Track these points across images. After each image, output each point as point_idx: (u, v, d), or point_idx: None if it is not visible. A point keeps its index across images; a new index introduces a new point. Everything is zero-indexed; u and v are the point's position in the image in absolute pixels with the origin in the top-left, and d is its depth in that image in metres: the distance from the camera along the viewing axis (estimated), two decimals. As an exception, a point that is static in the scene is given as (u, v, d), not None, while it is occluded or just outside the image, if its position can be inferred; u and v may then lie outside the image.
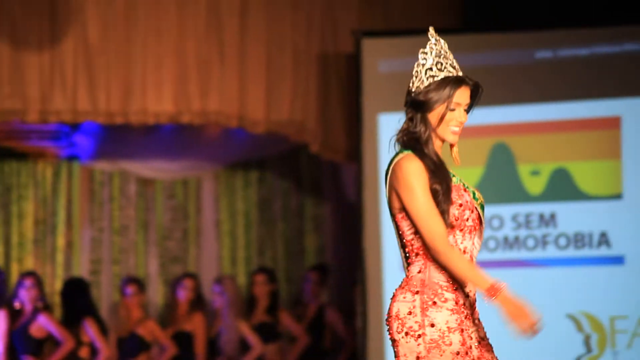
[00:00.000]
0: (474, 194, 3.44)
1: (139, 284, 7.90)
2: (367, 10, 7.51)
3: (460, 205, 3.39)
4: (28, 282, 7.37)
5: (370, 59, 7.17)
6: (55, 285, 8.22)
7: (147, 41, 7.14)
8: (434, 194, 3.36)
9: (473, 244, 3.41)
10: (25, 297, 7.33)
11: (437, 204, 3.35)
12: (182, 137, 8.14)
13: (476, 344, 3.40)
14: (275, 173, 8.66)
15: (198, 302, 7.81)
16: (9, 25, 6.95)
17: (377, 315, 7.14)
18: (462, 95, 3.41)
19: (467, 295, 3.41)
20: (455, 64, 3.44)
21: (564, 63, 6.93)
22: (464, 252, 3.39)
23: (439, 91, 3.39)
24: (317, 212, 8.68)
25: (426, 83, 3.41)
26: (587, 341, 6.82)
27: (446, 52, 3.45)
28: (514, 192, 6.97)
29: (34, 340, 7.33)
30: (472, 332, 3.40)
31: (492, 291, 3.28)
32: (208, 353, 7.87)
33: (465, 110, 3.42)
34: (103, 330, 7.53)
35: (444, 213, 3.35)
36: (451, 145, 3.46)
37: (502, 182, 6.99)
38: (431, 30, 3.49)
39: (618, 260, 6.81)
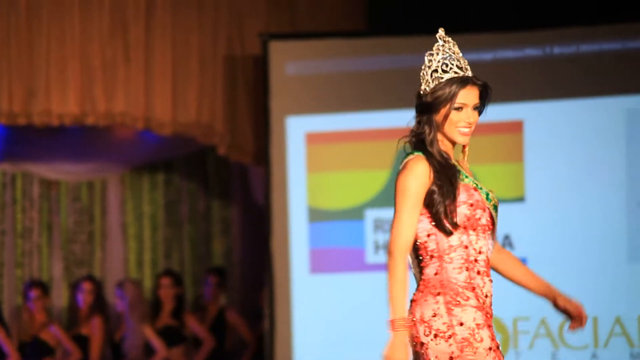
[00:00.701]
0: (487, 194, 3.43)
1: (43, 287, 7.79)
2: (274, 13, 7.52)
3: (472, 205, 3.39)
4: None
5: (278, 61, 7.18)
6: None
7: (51, 42, 7.05)
8: (433, 193, 3.37)
9: (488, 244, 3.42)
10: None
11: (435, 202, 3.36)
12: (87, 139, 8.04)
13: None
14: (182, 175, 8.61)
15: (98, 306, 7.72)
16: None
17: (284, 317, 7.14)
18: (468, 95, 3.40)
19: (485, 295, 3.43)
20: (463, 64, 3.45)
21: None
22: (480, 252, 3.39)
23: (443, 92, 3.40)
24: (224, 215, 8.65)
25: (432, 85, 3.43)
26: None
27: (453, 53, 3.46)
28: (420, 195, 7.01)
29: None
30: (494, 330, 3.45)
31: (392, 325, 3.34)
32: (113, 357, 7.78)
33: (475, 110, 3.42)
34: (8, 334, 7.41)
35: (439, 213, 3.36)
36: (463, 147, 3.46)
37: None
38: (440, 31, 3.50)
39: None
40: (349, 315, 7.08)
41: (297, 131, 7.17)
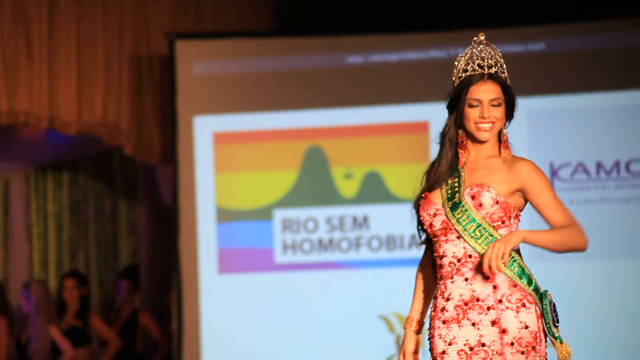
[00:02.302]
0: (453, 194, 3.42)
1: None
2: (180, 12, 7.47)
3: (434, 215, 3.43)
4: None
5: (184, 61, 7.14)
6: None
7: (-50, 38, 6.90)
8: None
9: (462, 247, 3.38)
10: None
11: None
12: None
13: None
14: (87, 175, 8.51)
15: (2, 307, 7.59)
16: None
17: (192, 318, 7.10)
18: (481, 91, 3.42)
19: (446, 299, 3.41)
20: (486, 62, 3.44)
21: (374, 68, 7.06)
22: (444, 255, 3.40)
23: (457, 90, 3.46)
24: (131, 215, 8.57)
25: (456, 85, 3.48)
26: (398, 341, 6.96)
27: (479, 52, 3.46)
28: (328, 195, 7.05)
29: None
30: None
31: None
32: (19, 359, 7.66)
33: (496, 105, 3.42)
34: None
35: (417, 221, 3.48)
36: (501, 144, 3.46)
37: (316, 185, 7.07)
38: (479, 36, 3.49)
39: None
40: (257, 315, 7.07)
41: (204, 131, 7.14)
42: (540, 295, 3.40)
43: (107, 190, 8.55)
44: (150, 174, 8.25)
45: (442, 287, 3.41)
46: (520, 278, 3.38)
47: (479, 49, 3.49)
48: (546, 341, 3.40)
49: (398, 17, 7.43)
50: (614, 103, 6.88)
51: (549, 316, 3.38)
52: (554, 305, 3.42)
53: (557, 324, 3.40)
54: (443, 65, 7.02)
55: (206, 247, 7.11)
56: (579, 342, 6.81)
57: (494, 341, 3.33)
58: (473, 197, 3.39)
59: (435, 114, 7.00)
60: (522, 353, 3.33)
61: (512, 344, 3.33)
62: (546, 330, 3.38)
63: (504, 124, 3.49)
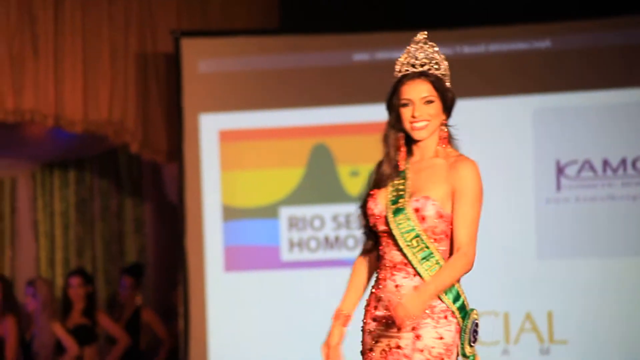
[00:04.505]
0: (397, 198, 3.41)
1: (-50, 287, 7.64)
2: (186, 10, 7.47)
3: (378, 216, 3.43)
4: None
5: (190, 58, 7.13)
6: None
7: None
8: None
9: (401, 255, 3.38)
10: None
11: None
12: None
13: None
14: (93, 173, 8.52)
15: (9, 305, 7.60)
16: None
17: (199, 316, 7.11)
18: (411, 90, 3.42)
19: (377, 300, 3.44)
20: (418, 61, 3.46)
21: (380, 65, 7.05)
22: (383, 256, 3.41)
23: (391, 91, 3.47)
24: (137, 213, 8.58)
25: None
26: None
27: (415, 51, 3.49)
28: (334, 193, 7.05)
29: None
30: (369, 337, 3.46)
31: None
32: (23, 357, 7.67)
33: (429, 103, 3.41)
34: None
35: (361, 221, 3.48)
36: (438, 142, 3.45)
37: (322, 183, 7.07)
38: (419, 35, 3.52)
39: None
40: (264, 313, 7.07)
41: (210, 129, 7.14)
42: (465, 313, 3.39)
43: (113, 189, 8.55)
44: (156, 172, 8.25)
45: (378, 284, 3.43)
46: (446, 294, 3.36)
47: (415, 48, 3.51)
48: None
49: (403, 15, 7.42)
50: (620, 100, 6.87)
51: (466, 335, 3.36)
52: (477, 325, 3.40)
53: (472, 344, 3.39)
54: (448, 62, 7.01)
55: (212, 245, 7.11)
56: (591, 338, 6.85)
57: (407, 345, 3.36)
58: (417, 210, 3.37)
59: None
60: None
61: (422, 350, 3.33)
62: (459, 348, 3.37)
63: (443, 121, 3.46)
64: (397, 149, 3.47)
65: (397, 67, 3.50)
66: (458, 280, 3.37)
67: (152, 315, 7.89)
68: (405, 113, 3.43)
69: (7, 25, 6.99)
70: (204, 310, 7.10)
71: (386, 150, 3.49)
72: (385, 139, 3.50)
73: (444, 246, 3.38)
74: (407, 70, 3.46)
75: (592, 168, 6.93)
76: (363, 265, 3.54)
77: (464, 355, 3.37)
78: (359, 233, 7.06)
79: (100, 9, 7.23)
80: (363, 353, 3.45)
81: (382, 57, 7.07)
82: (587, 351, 6.86)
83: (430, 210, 3.35)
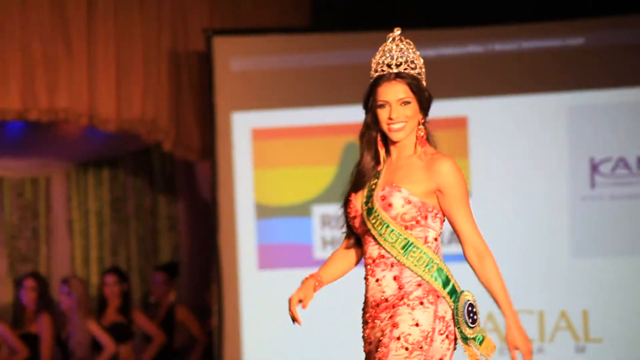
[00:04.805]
0: (368, 198, 3.42)
1: (-14, 285, 7.72)
2: (218, 8, 7.48)
3: (354, 217, 3.46)
4: None
5: (222, 57, 7.14)
6: None
7: (-9, 36, 6.96)
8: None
9: (377, 248, 3.40)
10: None
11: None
12: (31, 134, 7.96)
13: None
14: (127, 171, 8.55)
15: (44, 303, 7.66)
16: None
17: (232, 314, 7.12)
18: (387, 91, 3.42)
19: (367, 298, 3.47)
20: (394, 60, 3.44)
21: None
22: (364, 255, 3.45)
23: (368, 92, 3.47)
24: (171, 211, 8.60)
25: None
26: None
27: (390, 50, 3.46)
28: (367, 191, 7.02)
29: None
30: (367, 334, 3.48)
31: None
32: (59, 355, 7.72)
33: (405, 104, 3.41)
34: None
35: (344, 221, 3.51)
36: (415, 145, 3.46)
37: (354, 181, 7.04)
38: (394, 32, 3.50)
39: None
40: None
41: (242, 127, 7.14)
42: (456, 297, 3.39)
43: (147, 187, 8.58)
44: (190, 170, 8.27)
45: (365, 286, 3.46)
46: (436, 280, 3.38)
47: (390, 47, 3.47)
48: (455, 344, 3.39)
49: (435, 12, 7.38)
50: (655, 97, 6.83)
51: (460, 318, 3.36)
52: (471, 306, 3.39)
53: (471, 325, 3.37)
54: (481, 60, 6.98)
55: (245, 244, 7.12)
56: (627, 336, 6.79)
57: (385, 334, 3.37)
58: (383, 198, 3.38)
59: (474, 109, 6.99)
60: (406, 349, 3.32)
61: (398, 338, 3.33)
62: (456, 333, 3.37)
63: (420, 120, 3.46)
64: (375, 149, 3.47)
65: (373, 67, 3.48)
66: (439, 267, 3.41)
67: (187, 313, 7.91)
68: (382, 114, 3.43)
69: (40, 25, 7.03)
70: (238, 308, 7.11)
71: (363, 150, 3.49)
72: (362, 139, 3.49)
73: (418, 232, 3.38)
74: (384, 70, 3.45)
75: (626, 165, 6.87)
76: (343, 252, 3.58)
77: (465, 338, 3.36)
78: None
79: (132, 8, 7.25)
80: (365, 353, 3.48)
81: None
82: (623, 349, 6.81)
83: (395, 197, 3.37)
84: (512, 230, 6.92)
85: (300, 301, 3.54)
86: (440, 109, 6.97)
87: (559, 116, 6.90)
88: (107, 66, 7.16)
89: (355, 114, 7.08)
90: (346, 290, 7.04)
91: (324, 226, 7.05)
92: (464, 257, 3.42)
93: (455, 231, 3.43)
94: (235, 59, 7.14)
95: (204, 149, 7.44)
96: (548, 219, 6.88)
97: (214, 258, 7.19)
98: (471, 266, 3.40)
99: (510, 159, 6.94)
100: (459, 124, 6.97)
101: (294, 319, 3.55)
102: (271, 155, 7.13)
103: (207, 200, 7.69)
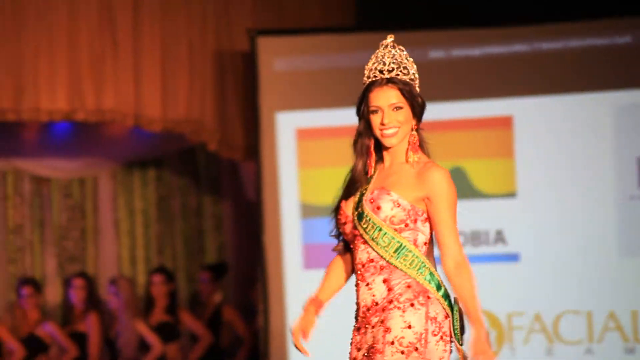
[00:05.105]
0: (358, 203, 3.42)
1: (35, 285, 7.77)
2: (262, 8, 7.48)
3: (344, 223, 3.46)
4: None
5: (266, 57, 7.14)
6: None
7: (39, 37, 7.00)
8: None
9: (366, 252, 3.39)
10: None
11: None
12: (77, 135, 8.02)
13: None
14: (173, 171, 8.58)
15: (92, 302, 7.71)
16: None
17: (278, 313, 7.12)
18: (379, 97, 3.41)
19: (358, 304, 3.46)
20: (386, 66, 3.44)
21: (457, 63, 6.99)
22: (355, 261, 3.44)
23: (360, 98, 3.47)
24: (216, 211, 8.62)
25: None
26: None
27: (382, 56, 3.46)
28: (412, 191, 6.99)
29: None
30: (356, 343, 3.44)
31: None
32: (107, 354, 7.77)
33: (398, 109, 3.40)
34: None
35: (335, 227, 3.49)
36: (407, 151, 3.44)
37: (399, 181, 7.01)
38: (387, 38, 3.51)
39: (513, 257, 6.88)
40: (342, 310, 7.04)
41: (287, 127, 7.14)
42: (450, 302, 3.36)
43: (192, 187, 8.61)
44: (234, 170, 8.29)
45: (356, 293, 3.45)
46: (430, 283, 3.35)
47: (383, 52, 3.46)
48: (451, 346, 3.36)
49: (480, 11, 7.33)
50: None
51: (457, 323, 3.35)
52: (462, 313, 3.37)
53: (463, 331, 3.37)
54: (527, 59, 6.92)
55: (291, 243, 7.11)
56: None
57: (379, 339, 3.34)
58: (372, 201, 3.36)
59: (519, 109, 6.93)
60: (402, 353, 3.30)
61: (392, 342, 3.31)
62: (453, 336, 3.35)
63: (413, 126, 3.43)
64: (367, 155, 3.47)
65: (366, 73, 3.47)
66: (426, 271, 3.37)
67: (233, 313, 7.92)
68: (375, 120, 3.42)
69: (88, 25, 7.07)
70: (283, 307, 7.10)
71: (357, 156, 3.49)
72: (355, 145, 3.50)
73: (407, 234, 3.37)
74: (375, 76, 3.43)
75: (674, 164, 6.80)
76: (339, 261, 3.58)
77: (461, 343, 3.35)
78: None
79: (178, 9, 7.27)
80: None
81: (458, 54, 6.99)
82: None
83: (384, 200, 3.36)
84: (559, 231, 6.86)
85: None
86: (486, 108, 6.97)
87: (606, 115, 6.83)
88: (153, 66, 7.20)
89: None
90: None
91: (369, 226, 7.02)
92: (442, 267, 3.39)
93: (437, 240, 3.38)
94: (279, 58, 7.14)
95: (248, 148, 7.44)
96: (595, 218, 6.81)
97: (259, 258, 7.20)
98: (447, 276, 3.36)
99: (556, 159, 6.88)
100: (505, 123, 6.92)
101: (301, 351, 3.55)
102: (315, 155, 7.11)
103: (252, 200, 7.69)
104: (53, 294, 8.34)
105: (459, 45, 6.98)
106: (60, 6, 7.01)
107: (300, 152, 7.12)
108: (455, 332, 3.34)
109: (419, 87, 3.47)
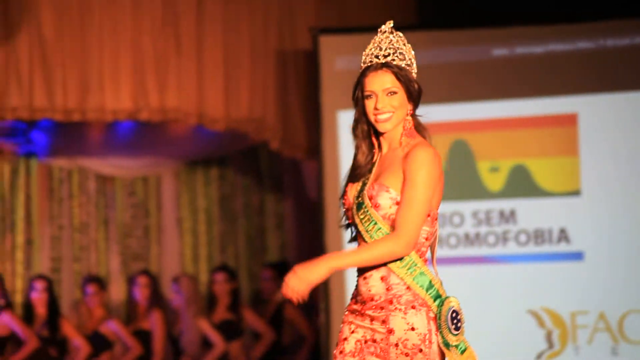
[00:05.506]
0: (360, 191, 3.38)
1: (100, 283, 7.85)
2: (324, 7, 7.48)
3: (347, 211, 3.43)
4: (-12, 280, 7.32)
5: (328, 55, 7.14)
6: (15, 283, 8.14)
7: (103, 37, 7.06)
8: None
9: (363, 238, 3.36)
10: (-14, 295, 7.29)
11: None
12: (141, 134, 8.08)
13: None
14: (235, 170, 8.62)
15: (156, 300, 7.77)
16: (-38, 22, 6.86)
17: (339, 311, 7.12)
18: (373, 81, 3.37)
19: (354, 295, 3.43)
20: (382, 51, 3.40)
21: (520, 60, 6.94)
22: (359, 246, 3.42)
23: (356, 83, 3.43)
24: (278, 209, 8.64)
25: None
26: (548, 337, 6.84)
27: (379, 42, 3.42)
28: (474, 189, 6.96)
29: (-3, 338, 7.29)
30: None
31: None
32: (171, 352, 7.83)
33: (392, 94, 3.36)
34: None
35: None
36: (401, 136, 3.40)
37: (461, 179, 6.99)
38: (387, 24, 3.46)
39: (577, 256, 6.82)
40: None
41: (348, 125, 7.12)
42: (440, 302, 3.31)
43: (254, 185, 8.63)
44: (297, 169, 8.30)
45: (357, 280, 3.40)
46: (419, 283, 3.30)
47: (380, 38, 3.41)
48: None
49: (544, 8, 7.27)
50: None
51: (443, 323, 3.28)
52: (455, 312, 3.31)
53: (454, 332, 3.30)
54: (591, 56, 6.84)
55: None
56: None
57: (382, 339, 3.30)
58: (371, 197, 3.32)
59: (584, 106, 6.86)
60: (407, 355, 3.27)
61: (397, 345, 3.28)
62: (439, 337, 3.30)
63: (409, 111, 3.38)
64: (368, 142, 3.43)
65: (362, 58, 3.43)
66: (380, 262, 3.30)
67: (295, 311, 7.93)
68: (369, 105, 3.38)
69: (152, 24, 7.12)
70: (344, 305, 7.09)
71: (357, 142, 3.45)
72: (354, 131, 3.46)
73: None
74: (371, 61, 3.39)
75: None
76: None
77: (447, 344, 3.29)
78: (499, 229, 6.99)
79: (240, 8, 7.30)
80: (338, 341, 3.41)
81: (521, 51, 6.94)
82: None
83: (383, 198, 3.31)
84: (623, 229, 6.78)
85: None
86: (550, 105, 6.91)
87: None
88: (216, 65, 7.23)
89: (462, 112, 7.04)
90: (454, 289, 7.00)
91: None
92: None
93: (395, 217, 3.30)
94: (341, 57, 7.14)
95: (310, 147, 7.45)
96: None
97: (321, 255, 7.19)
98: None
99: (621, 156, 6.80)
100: (569, 121, 6.86)
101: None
102: (377, 153, 7.10)
103: (314, 199, 7.70)
104: (117, 291, 8.41)
105: (522, 42, 6.93)
106: (124, 5, 7.07)
107: (362, 150, 7.11)
108: (441, 332, 3.30)
109: (415, 73, 3.41)
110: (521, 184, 6.90)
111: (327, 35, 7.16)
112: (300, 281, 3.26)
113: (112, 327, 7.68)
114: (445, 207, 6.99)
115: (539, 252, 6.87)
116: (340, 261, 3.27)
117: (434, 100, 7.02)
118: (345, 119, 7.15)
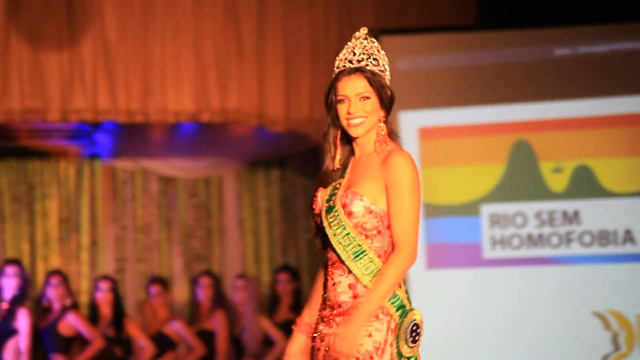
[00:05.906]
0: (331, 196, 3.35)
1: (163, 283, 7.91)
2: (383, 8, 7.45)
3: (317, 215, 3.41)
4: (55, 280, 7.40)
5: (388, 56, 7.07)
6: (81, 284, 8.23)
7: (165, 39, 7.11)
8: None
9: (335, 246, 3.34)
10: (53, 296, 7.37)
11: None
12: (203, 135, 8.13)
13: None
14: (296, 171, 8.63)
15: (219, 300, 7.80)
16: (28, 25, 6.94)
17: (401, 312, 7.09)
18: (346, 86, 3.35)
19: (324, 301, 3.40)
20: (356, 57, 3.40)
21: (583, 60, 6.85)
22: (326, 255, 3.41)
23: (329, 88, 3.42)
24: (339, 210, 8.62)
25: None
26: (614, 339, 6.75)
27: (353, 47, 3.43)
28: (537, 190, 6.90)
29: (63, 338, 7.36)
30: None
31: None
32: (233, 351, 7.86)
33: (365, 99, 3.33)
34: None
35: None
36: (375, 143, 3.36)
37: (524, 180, 6.93)
38: (360, 30, 3.49)
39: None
40: (466, 310, 7.00)
41: (409, 126, 7.11)
42: (404, 313, 3.26)
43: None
44: (357, 170, 8.27)
45: (324, 284, 3.37)
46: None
47: (354, 44, 3.40)
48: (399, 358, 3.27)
49: (607, 7, 7.16)
50: None
51: (402, 334, 3.23)
52: (416, 325, 3.26)
53: (410, 345, 3.25)
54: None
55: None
56: None
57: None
58: (344, 205, 3.27)
59: (648, 106, 6.76)
60: (357, 359, 3.22)
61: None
62: (394, 347, 3.25)
63: (382, 118, 3.33)
64: (337, 146, 3.40)
65: (336, 63, 3.41)
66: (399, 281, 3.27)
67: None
68: (341, 109, 3.35)
69: (214, 25, 7.15)
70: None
71: (328, 147, 3.42)
72: (326, 136, 3.42)
73: (378, 242, 3.28)
74: (345, 66, 3.37)
75: None
76: (321, 278, 3.48)
77: (400, 355, 3.25)
78: (562, 230, 6.91)
79: (300, 9, 7.31)
80: (312, 356, 3.38)
81: (584, 51, 6.86)
82: None
83: (357, 206, 3.27)
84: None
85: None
86: (614, 105, 6.81)
87: None
88: (276, 67, 7.24)
89: (523, 112, 6.97)
90: (517, 291, 6.94)
91: (493, 225, 6.95)
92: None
93: (391, 231, 3.27)
94: (401, 58, 7.11)
95: (371, 148, 7.42)
96: None
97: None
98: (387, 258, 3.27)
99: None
100: (634, 120, 6.77)
101: None
102: (438, 154, 7.07)
103: (375, 200, 7.66)
104: (180, 292, 8.47)
105: (585, 41, 6.85)
106: (186, 8, 7.11)
107: (422, 151, 7.08)
108: (397, 343, 3.25)
109: (389, 79, 3.39)
110: (585, 185, 6.82)
111: (387, 35, 7.13)
112: (347, 342, 3.22)
113: (176, 328, 7.73)
114: (508, 208, 6.93)
115: (603, 253, 6.78)
116: (370, 307, 3.22)
117: (495, 101, 6.97)
118: (406, 119, 7.12)
